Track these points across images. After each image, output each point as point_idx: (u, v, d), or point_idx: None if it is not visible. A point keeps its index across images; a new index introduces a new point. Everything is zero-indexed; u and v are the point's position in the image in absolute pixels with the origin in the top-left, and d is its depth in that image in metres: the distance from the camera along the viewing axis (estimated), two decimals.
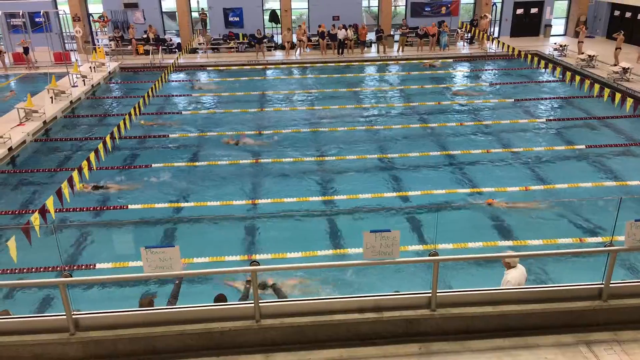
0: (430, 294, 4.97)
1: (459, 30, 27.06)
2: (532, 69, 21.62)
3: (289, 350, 4.85)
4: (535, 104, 18.14)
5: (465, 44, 26.92)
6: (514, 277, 6.17)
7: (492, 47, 25.41)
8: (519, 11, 28.17)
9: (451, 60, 24.74)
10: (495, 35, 27.98)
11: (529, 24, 28.41)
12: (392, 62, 24.71)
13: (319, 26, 25.77)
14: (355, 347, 4.88)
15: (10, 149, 13.87)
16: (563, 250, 9.52)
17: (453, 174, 12.82)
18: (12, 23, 25.88)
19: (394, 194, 11.81)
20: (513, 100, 18.44)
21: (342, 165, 13.46)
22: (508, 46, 22.21)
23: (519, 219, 10.63)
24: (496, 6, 28.05)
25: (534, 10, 28.20)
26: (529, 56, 20.19)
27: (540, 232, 9.98)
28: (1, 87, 21.31)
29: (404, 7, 28.95)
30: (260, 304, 4.91)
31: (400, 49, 25.68)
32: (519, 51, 21.18)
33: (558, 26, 29.03)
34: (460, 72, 23.41)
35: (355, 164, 13.46)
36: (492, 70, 23.24)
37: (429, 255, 5.02)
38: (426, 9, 27.90)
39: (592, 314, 5.05)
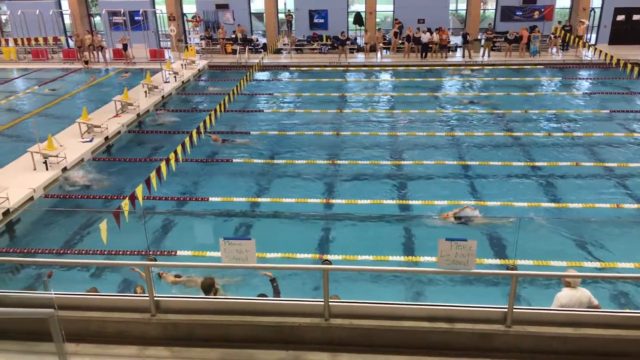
0: (506, 309, 4.78)
1: (552, 36, 25.79)
2: (631, 79, 20.14)
3: (356, 352, 4.85)
4: (633, 117, 16.89)
5: (559, 50, 25.63)
6: (564, 297, 5.77)
7: (587, 55, 24.00)
8: (620, 17, 26.33)
9: (542, 67, 23.66)
10: (592, 42, 26.39)
11: (630, 31, 26.43)
12: (478, 67, 24.00)
13: (396, 23, 25.62)
14: (424, 356, 4.79)
15: (106, 138, 14.91)
16: None
17: (537, 186, 12.25)
18: (113, 21, 27.82)
19: (472, 203, 11.46)
20: (608, 111, 17.30)
21: (420, 170, 13.25)
22: (606, 54, 20.84)
23: (609, 238, 9.95)
24: (594, 11, 26.44)
25: (636, 17, 26.23)
26: (629, 65, 18.83)
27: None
28: (102, 80, 22.94)
29: (494, 10, 28.02)
30: (330, 303, 4.95)
31: (486, 54, 24.90)
32: (618, 60, 19.82)
33: None
34: (552, 79, 22.30)
35: (433, 170, 13.21)
36: (586, 79, 21.94)
37: (507, 269, 4.84)
38: (517, 13, 26.81)
39: None
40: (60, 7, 29.29)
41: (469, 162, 13.60)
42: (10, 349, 4.99)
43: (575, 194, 11.70)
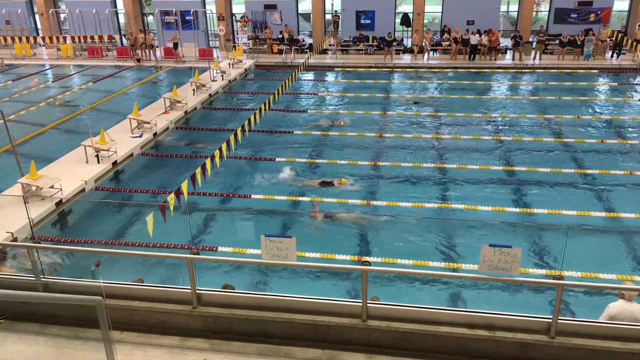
0: (550, 320, 4.64)
1: (607, 40, 24.78)
2: None
3: (392, 354, 4.82)
4: None
5: (615, 54, 24.62)
6: (615, 307, 5.52)
7: None
8: None
9: (596, 71, 22.81)
10: None
11: None
12: (528, 70, 23.34)
13: (445, 31, 25.26)
14: None
15: (155, 134, 15.35)
16: None
17: (587, 195, 11.80)
18: (165, 20, 28.61)
19: (517, 210, 11.16)
20: None
21: (463, 173, 13.01)
22: None
23: None
24: None
25: None
26: None
27: None
28: (152, 78, 23.63)
29: (547, 12, 27.20)
30: (368, 304, 4.93)
31: (538, 57, 24.19)
32: None
33: None
34: (606, 84, 21.45)
35: (477, 174, 12.94)
36: None
37: (553, 279, 4.70)
38: (572, 15, 25.91)
39: None
40: (116, 6, 30.37)
41: (515, 168, 13.25)
42: (57, 334, 5.21)
43: (628, 204, 11.21)
